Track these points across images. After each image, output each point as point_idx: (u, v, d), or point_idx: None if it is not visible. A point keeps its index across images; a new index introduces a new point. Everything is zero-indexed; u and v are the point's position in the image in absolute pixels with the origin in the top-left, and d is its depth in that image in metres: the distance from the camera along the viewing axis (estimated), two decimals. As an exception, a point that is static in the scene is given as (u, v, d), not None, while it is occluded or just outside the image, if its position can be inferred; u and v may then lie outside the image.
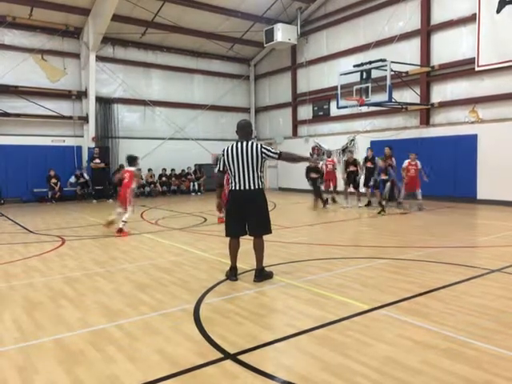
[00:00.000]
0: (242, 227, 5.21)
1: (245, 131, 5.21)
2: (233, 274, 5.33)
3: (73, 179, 16.75)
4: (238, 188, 5.12)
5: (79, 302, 4.61)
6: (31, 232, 9.33)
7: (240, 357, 3.21)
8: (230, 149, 5.13)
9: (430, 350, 3.27)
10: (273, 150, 5.13)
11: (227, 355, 3.24)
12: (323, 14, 18.20)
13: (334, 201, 13.76)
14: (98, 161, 16.81)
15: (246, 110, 22.34)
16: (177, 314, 4.16)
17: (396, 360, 3.12)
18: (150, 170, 18.69)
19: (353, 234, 9.00)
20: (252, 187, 5.07)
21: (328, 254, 6.77)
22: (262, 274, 5.26)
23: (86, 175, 16.96)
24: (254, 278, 5.23)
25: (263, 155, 5.07)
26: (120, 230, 8.80)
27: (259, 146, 5.11)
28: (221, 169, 5.26)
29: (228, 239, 5.44)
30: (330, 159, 14.05)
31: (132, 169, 9.14)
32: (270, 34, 17.97)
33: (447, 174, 13.91)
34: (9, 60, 15.89)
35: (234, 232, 5.30)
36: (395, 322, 3.85)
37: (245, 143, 5.10)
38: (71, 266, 6.27)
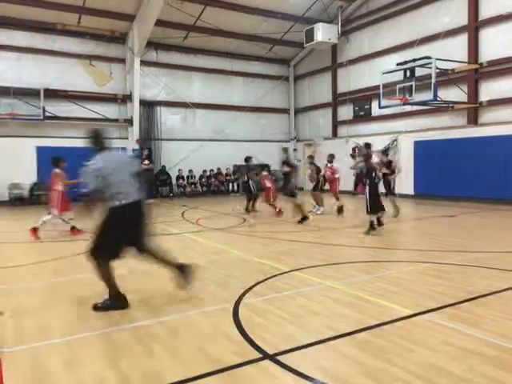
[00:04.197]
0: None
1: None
2: (121, 301, 4.42)
3: None
4: (126, 202, 4.32)
5: (124, 298, 4.77)
6: (80, 230, 9.73)
7: (279, 357, 3.22)
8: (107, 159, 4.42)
9: (476, 357, 3.15)
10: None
11: (266, 355, 3.26)
12: (365, 12, 17.90)
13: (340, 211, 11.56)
14: (147, 162, 17.35)
15: (285, 111, 22.32)
16: (216, 313, 4.22)
17: (439, 367, 3.03)
18: (190, 171, 19.09)
19: (393, 236, 8.78)
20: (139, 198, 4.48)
21: (368, 256, 6.65)
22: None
23: None
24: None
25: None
26: (33, 230, 8.55)
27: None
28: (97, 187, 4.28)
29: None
30: (329, 165, 12.03)
31: (57, 171, 8.87)
32: (310, 34, 17.86)
33: (496, 176, 13.27)
34: (59, 66, 16.70)
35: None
36: (439, 327, 3.73)
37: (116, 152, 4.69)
38: (115, 263, 6.48)
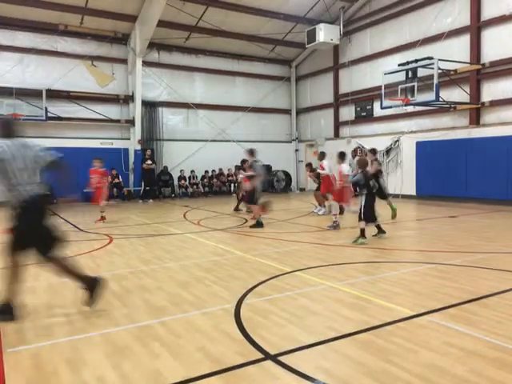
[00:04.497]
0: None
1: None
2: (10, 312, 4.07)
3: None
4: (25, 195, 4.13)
5: (126, 298, 4.78)
6: (81, 230, 9.77)
7: (280, 358, 3.22)
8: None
9: (478, 358, 3.14)
10: None
11: (268, 356, 3.26)
12: (367, 12, 17.89)
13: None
14: (149, 162, 17.41)
15: (287, 112, 22.33)
16: (218, 313, 4.22)
17: (441, 368, 3.02)
18: (192, 171, 19.10)
19: (396, 237, 8.76)
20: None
21: (371, 257, 6.64)
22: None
23: (120, 177, 17.51)
24: None
25: None
26: None
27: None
28: None
29: None
30: (320, 163, 11.12)
31: None
32: (311, 35, 17.85)
33: (499, 176, 13.24)
34: (61, 66, 16.74)
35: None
36: (442, 328, 3.72)
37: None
38: (118, 263, 6.52)
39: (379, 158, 16.08)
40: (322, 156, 11.21)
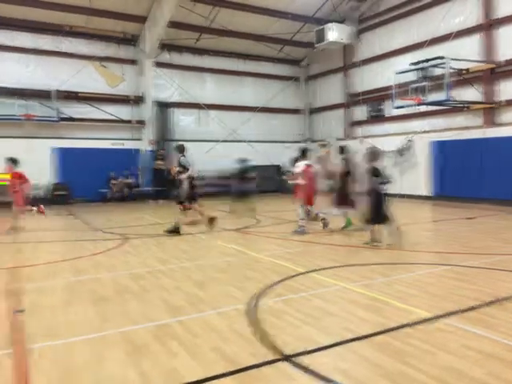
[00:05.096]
0: None
1: None
2: None
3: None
4: None
5: (143, 297, 4.83)
6: (97, 230, 9.87)
7: (295, 359, 3.22)
8: None
9: (497, 361, 3.11)
10: None
11: (283, 356, 3.26)
12: (377, 12, 17.79)
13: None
14: (160, 162, 17.48)
15: (297, 112, 22.28)
16: (233, 314, 4.24)
17: (459, 370, 3.00)
18: (203, 171, 19.14)
19: (411, 239, 8.65)
20: None
21: (386, 258, 6.59)
22: None
23: (131, 177, 17.63)
24: None
25: None
26: None
27: None
28: None
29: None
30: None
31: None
32: (320, 35, 17.79)
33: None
34: (69, 67, 16.85)
35: None
36: (459, 331, 3.69)
37: None
38: (134, 262, 6.58)
39: (393, 158, 15.96)
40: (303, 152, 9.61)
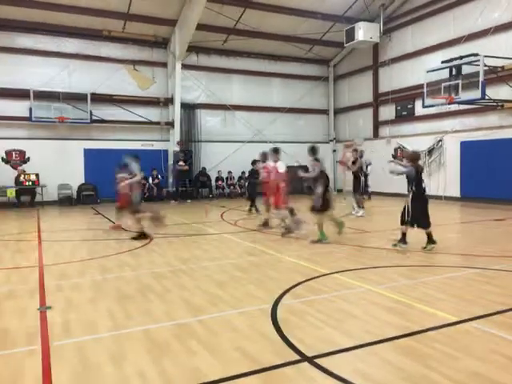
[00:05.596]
0: None
1: None
2: None
3: (150, 180, 17.76)
4: None
5: (165, 296, 4.90)
6: (122, 229, 10.07)
7: (317, 360, 3.20)
8: None
9: (527, 369, 2.99)
10: None
11: (305, 357, 3.25)
12: (408, 9, 17.43)
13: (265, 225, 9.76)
14: (182, 163, 17.76)
15: (325, 112, 22.09)
16: (254, 313, 4.24)
17: (485, 376, 2.90)
18: (229, 172, 19.28)
19: (440, 241, 8.44)
20: None
21: (411, 261, 6.46)
22: None
23: (160, 176, 17.89)
24: None
25: None
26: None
27: None
28: None
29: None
30: (263, 165, 9.71)
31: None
32: (350, 34, 17.58)
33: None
34: (104, 71, 17.33)
35: None
36: (486, 335, 3.57)
37: None
38: (158, 262, 6.68)
39: (422, 158, 15.60)
40: (271, 156, 9.34)
